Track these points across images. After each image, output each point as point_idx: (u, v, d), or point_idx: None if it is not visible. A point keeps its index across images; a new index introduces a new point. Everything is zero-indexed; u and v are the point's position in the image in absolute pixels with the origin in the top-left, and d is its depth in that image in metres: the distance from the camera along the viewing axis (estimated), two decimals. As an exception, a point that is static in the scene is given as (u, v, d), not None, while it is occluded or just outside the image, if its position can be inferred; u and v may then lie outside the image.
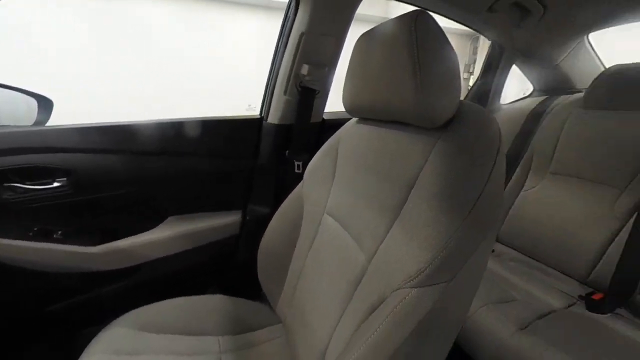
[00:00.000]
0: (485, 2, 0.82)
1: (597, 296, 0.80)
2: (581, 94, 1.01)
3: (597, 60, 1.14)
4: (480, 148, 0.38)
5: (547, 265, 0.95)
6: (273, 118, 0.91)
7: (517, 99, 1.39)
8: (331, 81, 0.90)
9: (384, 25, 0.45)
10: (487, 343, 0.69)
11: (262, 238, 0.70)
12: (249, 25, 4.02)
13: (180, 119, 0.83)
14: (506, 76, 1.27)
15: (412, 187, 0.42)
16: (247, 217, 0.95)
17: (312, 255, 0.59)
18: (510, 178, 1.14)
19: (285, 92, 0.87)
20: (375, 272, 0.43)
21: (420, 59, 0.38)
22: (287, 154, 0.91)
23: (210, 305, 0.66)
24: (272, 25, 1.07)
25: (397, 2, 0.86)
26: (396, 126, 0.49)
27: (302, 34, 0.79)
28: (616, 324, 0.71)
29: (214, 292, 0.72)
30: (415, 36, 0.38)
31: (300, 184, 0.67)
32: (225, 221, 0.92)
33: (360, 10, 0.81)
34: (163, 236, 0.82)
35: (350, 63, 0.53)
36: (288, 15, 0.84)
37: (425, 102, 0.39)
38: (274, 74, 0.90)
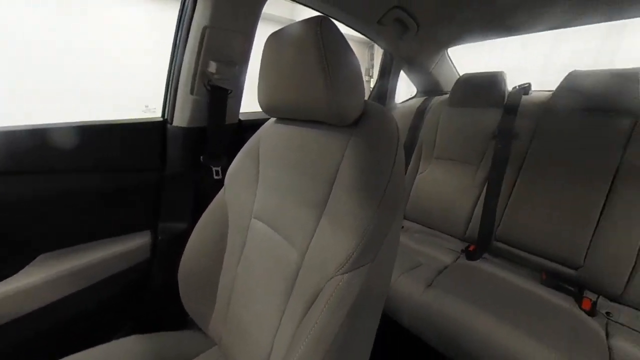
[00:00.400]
0: (375, 15, 0.95)
1: (471, 248, 1.05)
2: (447, 95, 1.31)
3: (454, 69, 1.49)
4: (385, 142, 0.44)
5: (440, 231, 1.20)
6: (180, 120, 0.81)
7: (406, 99, 1.68)
8: (244, 80, 0.87)
9: (292, 27, 0.47)
10: (405, 305, 0.82)
11: (182, 257, 0.62)
12: (139, 15, 3.39)
13: (50, 125, 0.65)
14: (397, 80, 1.52)
15: (333, 182, 0.46)
16: (159, 237, 0.82)
17: (244, 263, 0.56)
18: (409, 165, 1.37)
19: (192, 92, 0.78)
20: (309, 267, 0.45)
21: (329, 61, 0.41)
22: (202, 159, 0.83)
23: (124, 351, 0.55)
24: (169, 17, 0.94)
25: (303, 6, 0.90)
26: (313, 125, 0.52)
27: (205, 28, 0.73)
28: (484, 265, 0.97)
29: (128, 333, 0.59)
30: (321, 40, 0.41)
31: (221, 191, 0.63)
32: (129, 246, 0.77)
33: (268, 10, 0.81)
34: (32, 282, 0.62)
35: (262, 62, 0.53)
36: (185, 6, 0.76)
37: (336, 102, 0.43)
38: (175, 71, 0.80)
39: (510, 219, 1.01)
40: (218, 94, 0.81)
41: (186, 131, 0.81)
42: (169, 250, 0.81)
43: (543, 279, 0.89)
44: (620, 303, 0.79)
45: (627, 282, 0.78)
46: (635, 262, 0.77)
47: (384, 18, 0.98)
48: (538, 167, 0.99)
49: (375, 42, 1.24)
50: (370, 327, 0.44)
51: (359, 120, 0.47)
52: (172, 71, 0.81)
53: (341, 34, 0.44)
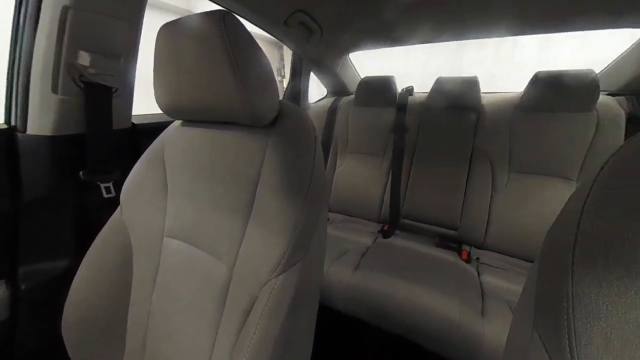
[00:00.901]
0: (280, 17, 0.97)
1: (385, 227, 1.22)
2: (353, 96, 1.46)
3: (356, 72, 1.67)
4: (304, 141, 0.46)
5: (360, 217, 1.34)
6: (40, 127, 0.62)
7: (318, 99, 1.78)
8: (133, 76, 0.73)
9: (191, 19, 0.42)
10: (338, 290, 0.88)
11: (66, 305, 0.48)
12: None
13: None
14: (308, 80, 1.59)
15: (256, 184, 0.44)
16: (22, 287, 0.61)
17: (159, 291, 0.48)
18: (327, 161, 1.46)
19: (55, 90, 0.61)
20: (240, 277, 0.42)
21: (237, 59, 0.40)
22: (82, 175, 0.66)
23: None
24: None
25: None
26: (227, 127, 0.49)
27: (65, 8, 0.57)
28: (396, 240, 1.14)
29: None
30: (227, 36, 0.39)
31: (117, 211, 0.52)
32: None
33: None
34: None
35: (155, 57, 0.46)
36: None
37: (251, 103, 0.42)
38: (21, 62, 0.61)
39: (410, 198, 1.22)
40: (97, 93, 0.66)
41: (52, 141, 0.63)
42: (40, 302, 0.62)
43: (437, 242, 1.12)
44: (483, 249, 1.08)
45: (485, 234, 1.07)
46: (488, 219, 1.06)
47: (289, 20, 1.00)
48: (425, 154, 1.23)
49: (283, 42, 1.25)
50: (309, 321, 0.46)
51: (275, 120, 0.47)
52: (14, 63, 0.61)
53: (247, 30, 0.42)
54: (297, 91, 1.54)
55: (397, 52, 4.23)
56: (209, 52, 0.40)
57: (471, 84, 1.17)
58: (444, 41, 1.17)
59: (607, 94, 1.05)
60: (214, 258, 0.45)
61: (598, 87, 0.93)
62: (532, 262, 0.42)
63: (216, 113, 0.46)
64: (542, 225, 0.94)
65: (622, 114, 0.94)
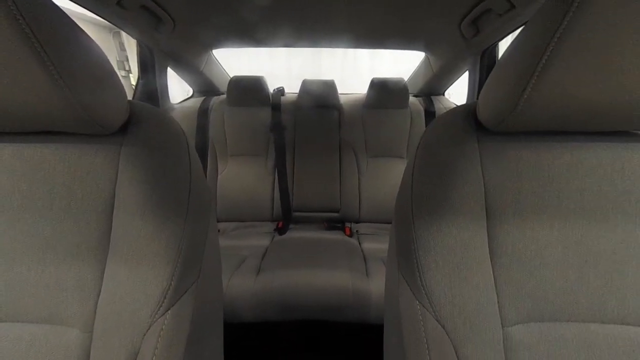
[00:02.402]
0: (111, -5, 0.77)
1: (280, 224, 1.26)
2: (225, 95, 1.38)
3: (224, 71, 1.58)
4: (171, 146, 0.39)
5: (253, 221, 1.30)
6: None
7: (183, 99, 1.56)
8: None
9: None
10: (243, 301, 0.84)
11: None
12: None
13: None
14: (166, 77, 1.36)
15: (112, 207, 0.35)
16: None
17: None
18: (207, 167, 1.32)
19: None
20: (107, 334, 0.32)
21: (44, 42, 0.28)
22: None
23: None
24: None
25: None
26: (53, 139, 0.35)
27: None
28: (292, 234, 1.19)
29: None
30: (19, 14, 0.27)
31: None
32: None
33: None
34: None
35: None
36: None
37: (83, 103, 0.31)
38: None
39: (298, 191, 1.30)
40: None
41: None
42: None
43: (325, 227, 1.26)
44: (360, 222, 1.32)
45: (359, 210, 1.30)
46: (359, 198, 1.30)
47: (124, 1, 0.81)
48: (304, 149, 1.34)
49: (121, 28, 1.01)
50: (216, 339, 0.41)
51: (127, 125, 0.38)
52: None
53: (53, 3, 0.31)
54: (151, 90, 1.29)
55: (263, 55, 4.32)
56: None
57: (330, 86, 1.37)
58: (302, 47, 1.29)
59: (413, 96, 1.51)
60: (56, 326, 0.32)
61: (408, 90, 1.32)
62: None
63: (29, 121, 0.32)
64: (394, 194, 1.25)
65: (422, 110, 1.38)
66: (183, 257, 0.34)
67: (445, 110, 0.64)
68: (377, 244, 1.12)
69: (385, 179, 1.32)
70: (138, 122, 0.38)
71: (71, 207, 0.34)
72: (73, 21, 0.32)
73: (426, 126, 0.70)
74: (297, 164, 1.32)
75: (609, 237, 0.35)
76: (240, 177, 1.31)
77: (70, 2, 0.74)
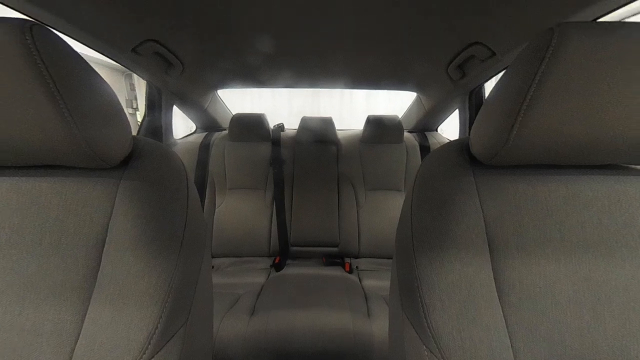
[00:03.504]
0: (127, 44, 0.84)
1: (276, 260, 1.21)
2: (227, 131, 1.43)
3: (226, 108, 1.66)
4: (171, 180, 0.39)
5: (249, 256, 1.26)
6: None
7: (187, 134, 1.61)
8: None
9: None
10: (235, 346, 0.77)
11: None
12: None
13: None
14: (171, 114, 1.42)
15: (103, 242, 0.34)
16: None
17: None
18: (204, 201, 1.32)
19: None
20: None
21: (59, 84, 0.30)
22: None
23: None
24: None
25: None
26: (52, 172, 0.36)
27: None
28: (289, 270, 1.14)
29: None
30: (37, 53, 0.29)
31: None
32: None
33: None
34: None
35: None
36: None
37: (89, 139, 0.32)
38: None
39: (296, 225, 1.28)
40: None
41: None
42: None
43: (324, 262, 1.22)
44: (360, 257, 1.27)
45: (359, 244, 1.27)
46: (358, 232, 1.27)
47: (139, 48, 0.88)
48: (302, 182, 1.35)
49: (134, 72, 1.08)
50: None
51: (128, 159, 0.39)
52: None
53: (71, 48, 0.33)
54: (156, 126, 1.34)
55: (266, 94, 4.60)
56: (7, 79, 0.29)
57: (328, 122, 1.43)
58: (302, 87, 1.38)
59: (407, 132, 1.57)
60: None
61: (402, 126, 1.38)
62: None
63: (30, 155, 0.33)
64: (393, 228, 1.24)
65: (417, 145, 1.43)
66: (173, 296, 0.32)
67: (439, 145, 0.66)
68: (379, 281, 1.07)
69: (384, 211, 1.31)
70: (140, 156, 0.39)
71: (61, 243, 0.33)
72: (88, 64, 0.35)
73: (422, 160, 0.72)
74: (295, 197, 1.32)
75: (618, 272, 0.34)
76: (237, 210, 1.30)
77: (89, 48, 0.80)
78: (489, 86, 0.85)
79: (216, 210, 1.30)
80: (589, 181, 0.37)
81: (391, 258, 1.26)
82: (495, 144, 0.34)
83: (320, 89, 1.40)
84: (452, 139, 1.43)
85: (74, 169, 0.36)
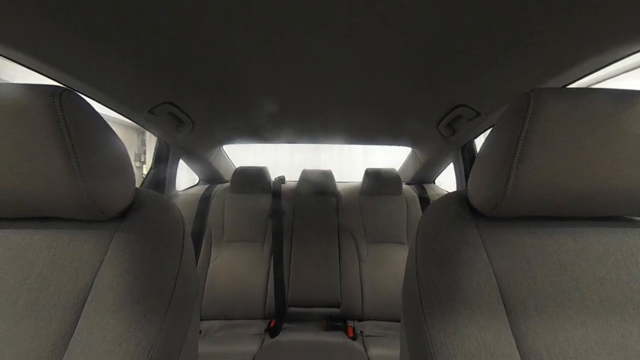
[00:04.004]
0: (145, 106, 0.92)
1: (272, 323, 1.09)
2: (228, 183, 1.46)
3: (230, 162, 1.73)
4: (167, 232, 0.39)
5: (242, 319, 1.14)
6: None
7: (188, 186, 1.64)
8: None
9: (2, 89, 0.33)
10: None
11: None
12: None
13: None
14: (177, 167, 1.47)
15: (84, 302, 0.31)
16: None
17: None
18: (199, 254, 1.26)
19: None
20: None
21: (75, 142, 0.32)
22: None
23: None
24: None
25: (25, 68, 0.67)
26: (44, 225, 0.35)
27: None
28: (285, 336, 1.02)
29: None
30: (62, 115, 0.32)
31: None
32: None
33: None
34: None
35: None
36: None
37: (91, 192, 0.33)
38: None
39: (295, 282, 1.20)
40: None
41: None
42: None
43: (324, 326, 1.09)
44: (364, 320, 1.15)
45: (362, 305, 1.16)
46: (362, 290, 1.18)
47: (155, 109, 0.97)
48: (302, 234, 1.31)
49: (147, 129, 1.16)
50: None
51: (127, 211, 0.38)
52: None
53: (95, 111, 0.37)
54: (161, 178, 1.37)
55: (269, 148, 4.86)
56: (25, 131, 0.31)
57: (328, 175, 1.47)
58: (304, 143, 1.46)
59: (406, 184, 1.60)
60: None
61: (400, 179, 1.41)
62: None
63: (29, 207, 0.33)
64: (398, 285, 1.15)
65: (416, 197, 1.44)
66: None
67: (438, 197, 0.66)
68: (387, 350, 0.94)
69: (388, 266, 1.24)
70: (140, 208, 0.39)
71: (38, 303, 0.30)
72: (106, 123, 0.38)
73: (422, 211, 0.71)
74: (294, 250, 1.27)
75: None
76: (233, 265, 1.23)
77: (108, 109, 0.88)
78: (479, 141, 0.91)
79: (210, 265, 1.24)
80: (597, 234, 0.36)
81: (398, 321, 1.14)
82: (493, 195, 0.35)
83: (321, 144, 1.49)
84: (450, 191, 1.45)
85: (70, 221, 0.36)
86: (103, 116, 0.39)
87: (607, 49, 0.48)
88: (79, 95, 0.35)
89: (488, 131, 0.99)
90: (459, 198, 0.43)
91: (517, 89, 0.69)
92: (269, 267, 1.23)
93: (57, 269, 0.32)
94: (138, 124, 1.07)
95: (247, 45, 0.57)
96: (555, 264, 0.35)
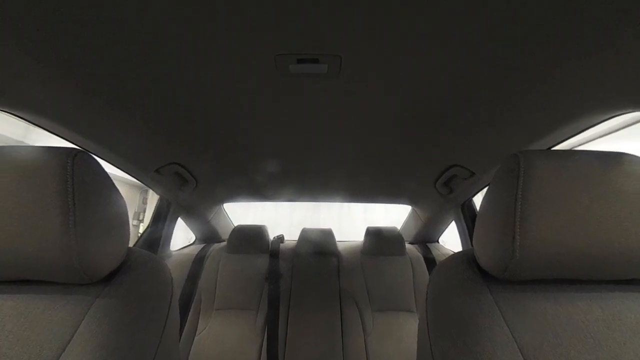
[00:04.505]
0: (153, 166, 0.97)
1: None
2: (225, 242, 1.41)
3: (230, 220, 1.71)
4: (153, 296, 0.36)
5: None
6: None
7: (183, 246, 1.58)
8: None
9: (20, 150, 0.35)
10: None
11: None
12: None
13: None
14: (174, 226, 1.45)
15: None
16: None
17: None
18: (185, 323, 1.13)
19: None
20: None
21: (78, 199, 0.32)
22: None
23: None
24: None
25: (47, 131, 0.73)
26: (24, 289, 0.33)
27: None
28: None
29: None
30: (71, 174, 0.33)
31: None
32: None
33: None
34: None
35: None
36: None
37: (82, 252, 0.31)
38: None
39: (291, 355, 1.04)
40: None
41: None
42: None
43: None
44: None
45: None
46: None
47: (162, 169, 1.01)
48: (300, 300, 1.20)
49: (151, 188, 1.19)
50: None
51: (115, 273, 0.36)
52: None
53: (104, 171, 0.38)
54: (156, 237, 1.33)
55: (269, 206, 4.88)
56: (31, 191, 0.31)
57: (328, 234, 1.43)
58: (304, 201, 1.48)
59: (409, 243, 1.55)
60: None
61: (402, 238, 1.37)
62: None
63: (11, 269, 0.31)
64: None
65: (421, 257, 1.37)
66: None
67: (444, 257, 0.63)
68: None
69: (397, 339, 1.09)
70: (128, 269, 0.37)
71: None
72: (112, 182, 0.39)
73: (429, 272, 0.67)
74: (291, 321, 1.14)
75: None
76: (222, 338, 1.08)
77: (118, 169, 0.92)
78: (477, 199, 0.92)
79: (196, 337, 1.09)
80: (622, 300, 0.34)
81: None
82: (502, 255, 0.33)
83: (321, 202, 1.50)
84: (454, 250, 1.39)
85: (50, 285, 0.33)
86: (110, 175, 0.41)
87: (579, 118, 0.53)
88: (92, 157, 0.37)
89: (485, 189, 1.01)
90: (466, 258, 0.41)
91: (506, 150, 0.73)
92: (262, 340, 1.08)
93: (20, 344, 0.28)
94: (143, 182, 1.10)
95: (251, 111, 0.63)
96: (587, 337, 0.31)
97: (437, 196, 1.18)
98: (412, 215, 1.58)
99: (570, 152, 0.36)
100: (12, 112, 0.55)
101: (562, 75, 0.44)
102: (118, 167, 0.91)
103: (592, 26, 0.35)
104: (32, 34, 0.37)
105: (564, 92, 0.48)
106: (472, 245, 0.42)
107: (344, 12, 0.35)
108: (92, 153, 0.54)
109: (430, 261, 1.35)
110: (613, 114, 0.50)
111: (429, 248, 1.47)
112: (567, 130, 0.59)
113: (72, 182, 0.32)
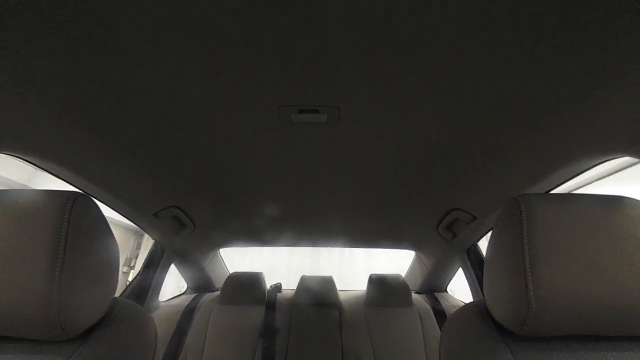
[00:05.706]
0: (152, 209, 0.96)
1: None
2: (218, 292, 1.32)
3: (225, 267, 1.62)
4: (133, 356, 0.32)
5: None
6: None
7: (175, 295, 1.48)
8: None
9: (23, 193, 0.35)
10: None
11: None
12: None
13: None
14: (166, 274, 1.37)
15: None
16: None
17: None
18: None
19: None
20: None
21: (70, 244, 0.31)
22: None
23: None
24: None
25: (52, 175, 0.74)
26: None
27: None
28: None
29: None
30: (68, 217, 0.32)
31: None
32: None
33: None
34: None
35: None
36: None
37: (63, 303, 0.29)
38: None
39: None
40: None
41: None
42: None
43: None
44: None
45: None
46: None
47: (160, 213, 1.00)
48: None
49: (146, 232, 1.16)
50: None
51: (95, 327, 0.33)
52: None
53: (102, 216, 0.38)
54: (145, 285, 1.25)
55: (267, 251, 4.70)
56: (24, 235, 0.30)
57: (329, 282, 1.35)
58: (303, 246, 1.43)
59: (415, 293, 1.45)
60: None
61: (408, 286, 1.29)
62: None
63: None
64: None
65: (430, 309, 1.27)
66: None
67: (453, 308, 0.58)
68: None
69: None
70: (110, 322, 0.34)
71: None
72: (108, 227, 0.38)
73: (439, 327, 0.61)
74: None
75: None
76: None
77: (115, 212, 0.91)
78: (483, 244, 0.89)
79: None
80: None
81: None
82: (517, 307, 0.31)
83: (321, 247, 1.45)
84: (464, 300, 1.29)
85: (20, 342, 0.30)
86: (107, 218, 0.40)
87: (571, 163, 0.55)
88: (93, 200, 0.37)
89: (489, 234, 0.99)
90: (478, 310, 0.38)
91: (505, 194, 0.74)
92: None
93: None
94: (140, 226, 1.08)
95: (253, 157, 0.65)
96: None
97: (441, 241, 1.14)
98: (417, 261, 1.51)
99: (569, 196, 0.36)
100: (22, 157, 0.57)
101: (548, 124, 0.47)
102: (117, 211, 0.90)
103: (567, 81, 0.38)
104: (50, 86, 0.41)
105: (553, 140, 0.50)
106: (482, 295, 0.40)
107: (343, 67, 0.39)
108: (93, 197, 0.54)
109: (439, 313, 1.25)
110: (602, 159, 0.52)
111: (437, 298, 1.37)
112: (562, 175, 0.60)
113: (67, 225, 0.32)
